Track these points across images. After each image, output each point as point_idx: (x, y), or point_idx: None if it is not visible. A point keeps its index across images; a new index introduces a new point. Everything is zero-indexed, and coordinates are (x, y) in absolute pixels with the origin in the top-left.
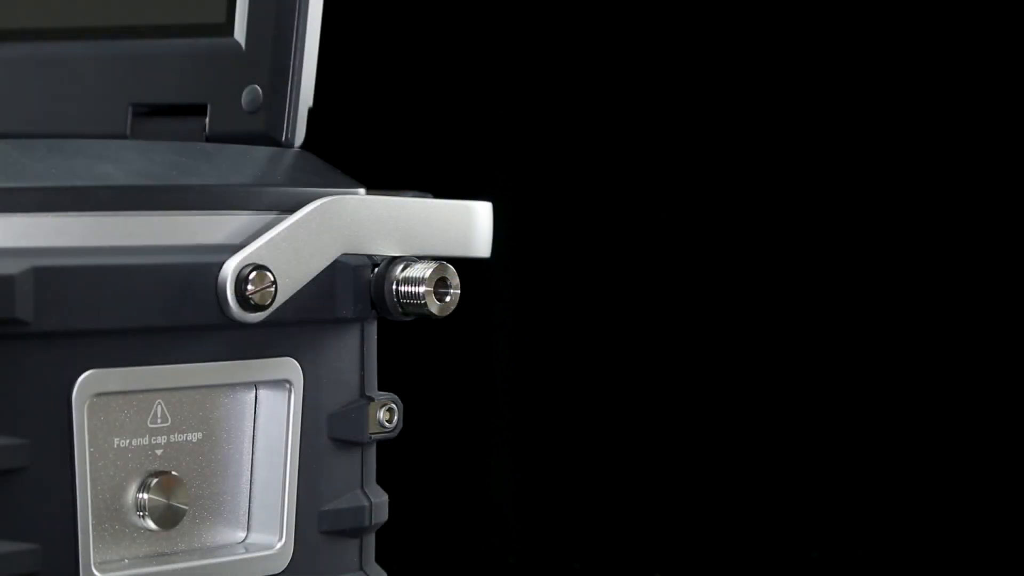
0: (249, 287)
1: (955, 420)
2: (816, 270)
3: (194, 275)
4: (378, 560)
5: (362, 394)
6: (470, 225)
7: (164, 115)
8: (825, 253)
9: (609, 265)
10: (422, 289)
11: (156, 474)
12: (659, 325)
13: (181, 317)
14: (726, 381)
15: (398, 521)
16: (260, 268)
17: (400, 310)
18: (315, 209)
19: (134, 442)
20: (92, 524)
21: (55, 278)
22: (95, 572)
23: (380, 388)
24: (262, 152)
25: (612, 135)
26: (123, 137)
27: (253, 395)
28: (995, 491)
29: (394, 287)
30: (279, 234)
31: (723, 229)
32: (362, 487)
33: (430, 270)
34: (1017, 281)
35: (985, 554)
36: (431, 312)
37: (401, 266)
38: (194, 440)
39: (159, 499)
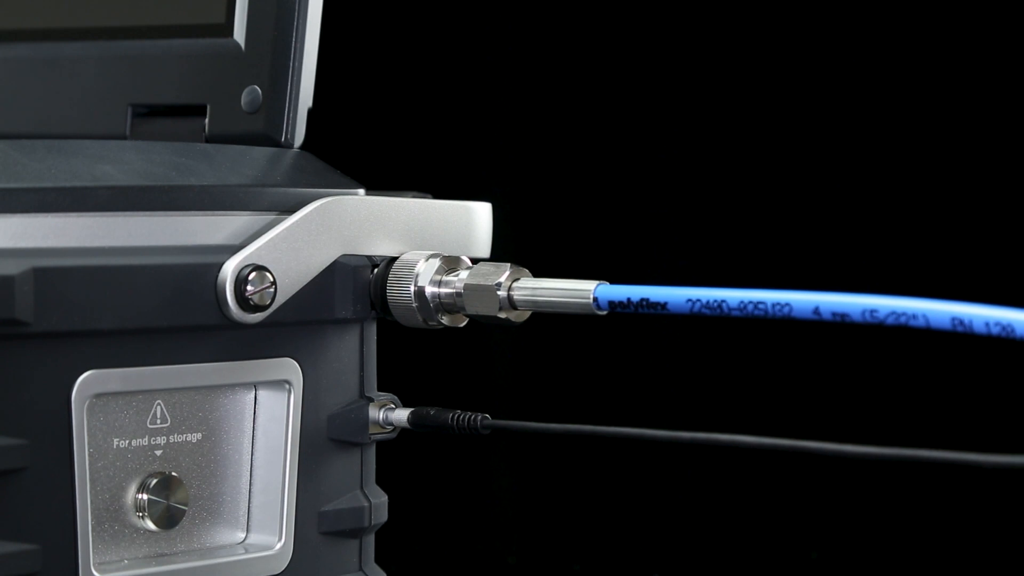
0: (249, 287)
1: (954, 420)
2: (815, 271)
3: (194, 275)
4: (378, 560)
5: (362, 394)
6: (470, 225)
7: (164, 115)
8: (824, 254)
9: (609, 264)
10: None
11: (156, 474)
12: (658, 325)
13: (181, 318)
14: (726, 380)
15: (398, 521)
16: (260, 268)
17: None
18: (315, 209)
19: (134, 443)
20: (92, 525)
21: (55, 278)
22: (94, 572)
23: (380, 388)
24: (262, 152)
25: (612, 136)
26: (123, 138)
27: (253, 395)
28: (994, 491)
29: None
30: (279, 234)
31: (721, 227)
32: (362, 488)
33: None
34: (1017, 280)
35: (985, 554)
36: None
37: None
38: (194, 440)
39: (159, 499)
